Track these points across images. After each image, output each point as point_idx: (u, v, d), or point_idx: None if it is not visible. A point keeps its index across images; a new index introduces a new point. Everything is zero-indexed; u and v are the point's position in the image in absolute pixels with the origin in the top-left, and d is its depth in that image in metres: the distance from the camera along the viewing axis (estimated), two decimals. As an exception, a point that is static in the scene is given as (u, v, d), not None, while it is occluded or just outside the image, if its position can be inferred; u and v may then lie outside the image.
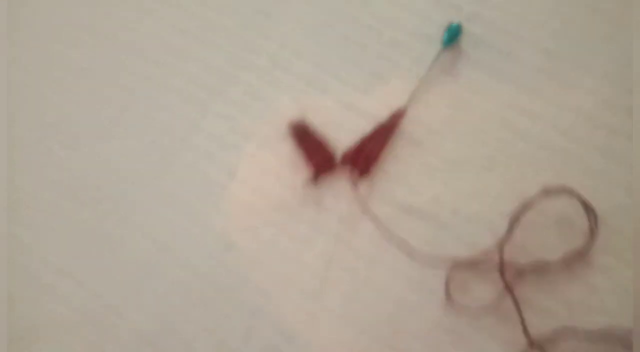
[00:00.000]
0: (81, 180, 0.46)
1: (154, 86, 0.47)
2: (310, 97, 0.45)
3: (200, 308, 0.42)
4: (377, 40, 0.45)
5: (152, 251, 0.44)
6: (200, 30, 0.47)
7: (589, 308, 0.38)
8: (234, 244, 0.43)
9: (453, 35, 0.44)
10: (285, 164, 0.44)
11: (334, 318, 0.41)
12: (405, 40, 0.45)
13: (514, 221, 0.38)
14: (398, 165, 0.43)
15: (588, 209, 0.38)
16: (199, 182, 0.45)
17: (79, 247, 0.45)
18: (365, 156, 0.43)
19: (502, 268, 0.38)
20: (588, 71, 0.42)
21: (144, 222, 0.44)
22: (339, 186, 0.43)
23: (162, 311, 0.42)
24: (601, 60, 0.42)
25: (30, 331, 0.43)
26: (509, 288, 0.38)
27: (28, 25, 0.51)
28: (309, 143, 0.44)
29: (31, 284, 0.44)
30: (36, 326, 0.43)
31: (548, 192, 0.38)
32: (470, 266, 0.39)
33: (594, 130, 0.41)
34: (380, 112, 0.43)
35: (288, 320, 0.41)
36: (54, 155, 0.47)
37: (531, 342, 0.37)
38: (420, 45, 0.44)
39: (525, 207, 0.38)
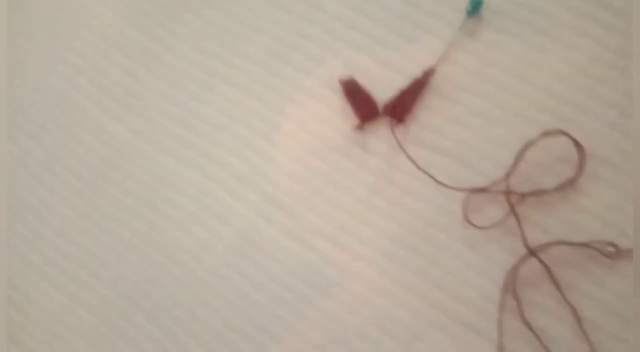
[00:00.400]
0: (181, 123, 0.58)
1: (234, 53, 0.57)
2: (358, 59, 0.54)
3: (270, 223, 0.54)
4: (413, 11, 0.54)
5: (229, 178, 0.55)
6: (269, 7, 0.57)
7: (577, 225, 0.48)
8: (299, 176, 0.54)
9: (476, 6, 0.52)
10: (337, 113, 0.54)
11: (374, 233, 0.52)
12: (435, 11, 0.54)
13: (519, 157, 0.48)
14: (428, 114, 0.52)
15: (578, 146, 0.47)
16: (268, 128, 0.55)
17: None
18: (402, 107, 0.52)
19: (508, 194, 0.48)
20: (585, 33, 0.50)
21: (224, 157, 0.56)
22: (381, 131, 0.53)
23: (244, 227, 0.54)
24: (596, 25, 0.50)
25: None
26: (513, 209, 0.48)
27: None
28: (356, 96, 0.54)
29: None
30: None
31: (547, 134, 0.48)
32: (483, 192, 0.49)
33: (586, 80, 0.49)
34: (415, 71, 0.53)
35: (340, 236, 0.52)
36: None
37: (529, 251, 0.47)
38: (449, 14, 0.53)
39: (527, 146, 0.48)
